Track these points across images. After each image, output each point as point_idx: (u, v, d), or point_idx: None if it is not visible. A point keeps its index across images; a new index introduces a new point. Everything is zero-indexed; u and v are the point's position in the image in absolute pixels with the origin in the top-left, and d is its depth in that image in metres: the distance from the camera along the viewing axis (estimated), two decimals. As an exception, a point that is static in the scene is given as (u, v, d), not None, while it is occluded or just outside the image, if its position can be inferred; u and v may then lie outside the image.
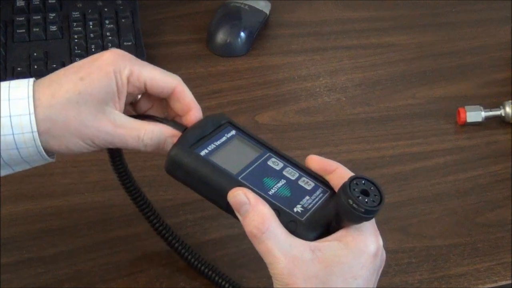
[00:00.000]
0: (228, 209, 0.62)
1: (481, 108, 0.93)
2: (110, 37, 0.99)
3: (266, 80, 1.00)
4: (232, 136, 0.69)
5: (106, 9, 1.02)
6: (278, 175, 0.66)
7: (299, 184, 0.66)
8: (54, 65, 0.96)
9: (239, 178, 0.63)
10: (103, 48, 0.98)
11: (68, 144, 0.65)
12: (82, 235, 0.80)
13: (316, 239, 0.60)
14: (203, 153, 0.65)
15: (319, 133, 0.93)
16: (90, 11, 1.02)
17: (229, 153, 0.67)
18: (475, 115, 0.93)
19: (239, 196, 0.60)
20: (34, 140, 0.63)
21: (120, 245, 0.80)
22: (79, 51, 0.97)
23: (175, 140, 0.67)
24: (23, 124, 0.62)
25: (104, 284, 0.76)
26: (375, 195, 0.58)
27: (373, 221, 0.61)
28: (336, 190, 0.63)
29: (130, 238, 0.80)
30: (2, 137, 0.62)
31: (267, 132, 0.93)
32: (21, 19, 1.01)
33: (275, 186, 0.64)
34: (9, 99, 0.63)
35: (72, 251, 0.79)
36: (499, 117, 0.94)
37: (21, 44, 0.99)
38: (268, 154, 0.68)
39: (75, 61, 0.95)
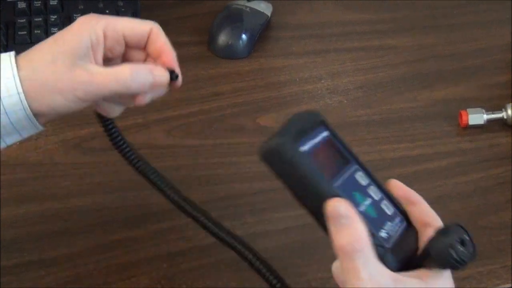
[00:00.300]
0: (316, 213, 0.58)
1: (483, 110, 0.93)
2: (111, 39, 0.99)
3: (268, 82, 1.00)
4: (325, 138, 0.63)
5: (107, 11, 1.02)
6: (365, 192, 0.62)
7: (381, 207, 0.62)
8: (55, 67, 0.95)
9: (334, 185, 0.59)
10: (104, 50, 0.98)
11: (50, 103, 0.65)
12: (83, 237, 0.80)
13: (398, 270, 0.57)
14: (303, 150, 0.60)
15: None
16: (91, 13, 1.01)
17: (323, 155, 0.62)
18: (477, 117, 0.93)
19: (340, 208, 0.56)
20: (21, 101, 0.64)
21: (121, 247, 0.79)
22: (80, 53, 0.97)
23: (163, 79, 0.70)
24: (9, 86, 0.64)
25: (105, 286, 0.76)
26: (469, 246, 0.57)
27: None
28: (415, 223, 0.61)
29: (131, 241, 0.80)
30: None
31: (268, 134, 0.91)
32: (22, 21, 1.01)
33: (363, 204, 0.60)
34: None
35: (73, 253, 0.78)
36: (501, 120, 0.93)
37: (23, 46, 0.98)
38: (356, 166, 0.63)
39: (76, 63, 0.95)
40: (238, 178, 0.88)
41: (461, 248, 0.56)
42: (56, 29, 0.99)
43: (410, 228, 0.62)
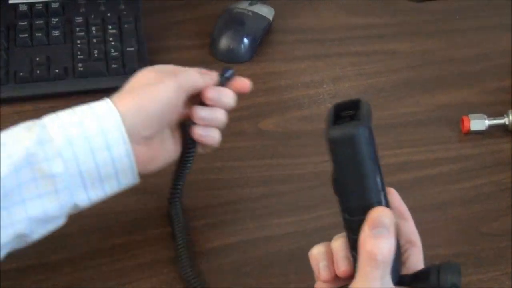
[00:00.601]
0: (352, 208, 0.59)
1: (485, 116, 0.93)
2: (113, 42, 0.99)
3: (269, 87, 1.00)
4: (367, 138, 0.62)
5: (109, 14, 1.02)
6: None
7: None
8: (57, 70, 0.95)
9: (382, 191, 0.59)
10: (106, 53, 0.98)
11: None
12: (82, 242, 0.80)
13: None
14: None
15: (323, 141, 0.91)
16: (93, 16, 1.02)
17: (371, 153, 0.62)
18: (479, 123, 0.93)
19: (386, 219, 0.57)
20: (123, 136, 0.69)
21: (121, 252, 0.79)
22: (82, 56, 0.97)
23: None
24: (110, 123, 0.69)
25: (107, 291, 0.76)
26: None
27: None
28: (399, 238, 0.61)
29: (131, 245, 0.80)
30: (93, 137, 0.68)
31: (270, 139, 0.92)
32: (23, 23, 1.00)
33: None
34: (92, 107, 0.70)
35: (72, 258, 0.78)
36: (503, 126, 0.93)
37: (24, 48, 0.99)
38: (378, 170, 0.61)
39: (77, 66, 0.95)
40: (239, 182, 0.87)
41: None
42: (57, 32, 0.99)
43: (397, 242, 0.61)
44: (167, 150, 0.76)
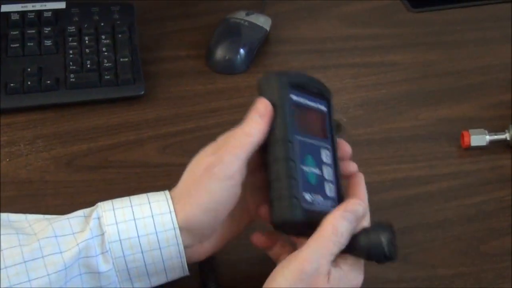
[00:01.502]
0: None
1: (486, 131, 0.91)
2: (106, 53, 0.97)
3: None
4: (322, 110, 0.72)
5: (102, 24, 1.00)
6: (319, 164, 0.69)
7: (324, 184, 0.69)
8: (48, 81, 0.93)
9: (295, 135, 0.67)
10: (99, 64, 0.96)
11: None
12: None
13: (292, 224, 0.66)
14: (292, 96, 0.68)
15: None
16: (86, 25, 1.00)
17: (307, 117, 0.70)
18: (479, 139, 0.91)
19: (361, 209, 0.67)
20: (176, 236, 0.66)
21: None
22: (74, 67, 0.95)
23: None
24: (165, 221, 0.66)
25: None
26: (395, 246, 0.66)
27: None
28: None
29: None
30: (146, 236, 0.66)
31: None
32: (15, 33, 0.98)
33: (310, 167, 0.68)
34: (149, 202, 0.67)
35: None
36: (504, 141, 0.91)
37: (15, 58, 0.97)
38: (328, 146, 0.71)
39: (69, 77, 0.93)
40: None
41: (392, 246, 0.65)
42: (50, 41, 0.97)
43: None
44: (228, 228, 0.71)
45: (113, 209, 0.66)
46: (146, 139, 0.91)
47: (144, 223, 0.66)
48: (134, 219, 0.66)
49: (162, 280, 0.69)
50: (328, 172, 0.70)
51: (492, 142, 0.91)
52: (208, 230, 0.68)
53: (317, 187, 0.68)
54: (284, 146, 0.67)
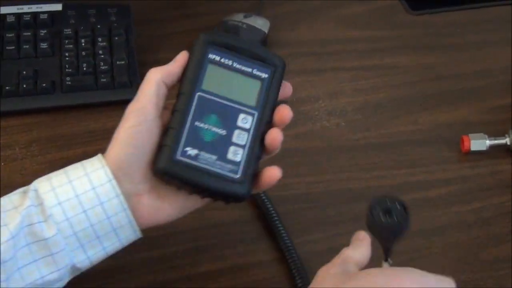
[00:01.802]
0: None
1: (486, 136, 0.90)
2: (102, 56, 0.96)
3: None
4: (256, 76, 0.70)
5: (99, 26, 0.99)
6: (228, 127, 0.68)
7: (226, 146, 0.68)
8: (44, 84, 0.92)
9: (195, 90, 0.68)
10: (95, 66, 0.95)
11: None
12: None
13: (163, 173, 0.66)
14: (212, 55, 0.69)
15: (317, 160, 0.90)
16: (82, 28, 0.99)
17: (229, 78, 0.69)
18: (479, 143, 0.90)
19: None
20: (113, 187, 0.66)
21: (108, 276, 0.77)
22: (70, 70, 0.94)
23: None
24: (100, 175, 0.67)
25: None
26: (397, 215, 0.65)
27: None
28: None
29: (118, 269, 0.78)
30: (84, 194, 0.66)
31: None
32: (11, 35, 0.97)
33: (208, 125, 0.68)
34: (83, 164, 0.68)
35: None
36: (504, 146, 0.90)
37: (11, 61, 0.96)
38: (253, 112, 0.69)
39: (65, 80, 0.93)
40: (229, 205, 0.84)
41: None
42: (45, 44, 0.96)
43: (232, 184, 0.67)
44: (181, 194, 0.70)
45: (49, 179, 0.67)
46: (143, 143, 0.90)
47: (81, 182, 0.66)
48: (70, 181, 0.66)
49: (116, 244, 0.68)
50: (240, 137, 0.68)
51: (492, 147, 0.90)
52: (135, 169, 0.67)
53: (213, 146, 0.67)
54: (179, 98, 0.68)
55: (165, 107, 0.70)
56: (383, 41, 1.07)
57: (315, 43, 1.06)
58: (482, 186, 0.88)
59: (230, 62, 0.70)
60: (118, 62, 0.95)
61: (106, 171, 0.66)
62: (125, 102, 0.92)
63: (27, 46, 0.96)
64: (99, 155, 0.68)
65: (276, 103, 0.70)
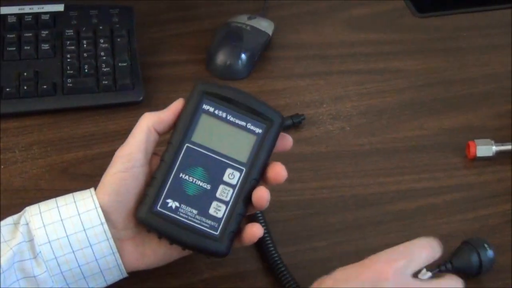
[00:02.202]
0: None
1: (492, 142, 0.88)
2: (104, 57, 0.95)
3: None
4: (250, 131, 0.69)
5: (101, 27, 0.98)
6: (213, 181, 0.68)
7: (209, 201, 0.67)
8: (45, 86, 0.91)
9: (184, 142, 0.68)
10: (97, 68, 0.94)
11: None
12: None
13: (141, 223, 0.68)
14: (206, 106, 0.69)
15: (321, 165, 0.89)
16: (84, 29, 0.97)
17: (221, 131, 0.69)
18: (485, 149, 0.88)
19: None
20: (105, 231, 0.67)
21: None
22: (72, 71, 0.93)
23: None
24: (92, 218, 0.67)
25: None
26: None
27: None
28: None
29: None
30: (74, 235, 0.66)
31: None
32: (12, 36, 0.96)
33: (192, 178, 0.68)
34: (75, 201, 0.68)
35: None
36: (511, 152, 0.88)
37: (11, 62, 0.95)
38: (241, 168, 0.68)
39: (66, 82, 0.92)
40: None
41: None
42: (47, 45, 0.95)
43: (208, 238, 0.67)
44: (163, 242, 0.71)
45: (40, 213, 0.67)
46: (144, 146, 0.89)
47: (72, 222, 0.66)
48: (61, 220, 0.66)
49: (101, 284, 0.69)
50: (224, 193, 0.68)
51: (498, 153, 0.88)
52: (118, 216, 0.68)
53: (195, 199, 0.67)
54: (168, 147, 0.69)
55: (155, 153, 0.70)
56: (388, 44, 1.05)
57: (320, 46, 1.04)
58: (487, 193, 0.86)
59: (224, 114, 0.69)
60: (120, 64, 0.94)
61: (98, 213, 0.67)
62: (127, 105, 0.93)
63: (28, 47, 0.95)
64: (92, 191, 0.69)
65: (268, 160, 0.69)
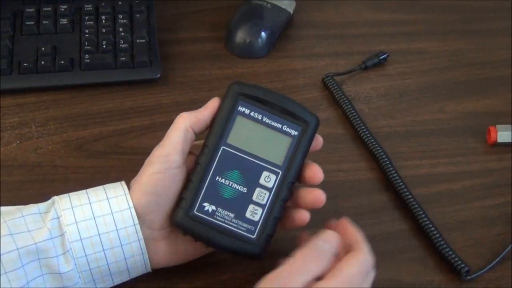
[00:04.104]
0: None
1: (514, 127, 0.87)
2: (122, 33, 0.94)
3: (286, 86, 0.94)
4: (286, 133, 0.69)
5: (120, 3, 0.97)
6: (249, 184, 0.67)
7: (245, 205, 0.67)
8: (62, 62, 0.91)
9: (220, 144, 0.67)
10: (115, 44, 0.93)
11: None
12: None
13: (178, 227, 0.67)
14: (241, 108, 0.68)
15: (338, 147, 0.87)
16: (103, 4, 0.96)
17: (258, 133, 0.68)
18: (506, 135, 0.87)
19: None
20: (137, 232, 0.67)
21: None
22: (89, 47, 0.92)
23: None
24: (125, 218, 0.66)
25: None
26: None
27: None
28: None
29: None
30: (106, 234, 0.66)
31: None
32: (31, 10, 0.95)
33: (228, 181, 0.67)
34: (108, 198, 0.68)
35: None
36: (532, 138, 0.87)
37: (30, 37, 0.94)
38: (277, 171, 0.68)
39: (84, 58, 0.91)
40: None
41: None
42: (65, 20, 0.94)
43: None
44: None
45: (72, 207, 0.66)
46: (160, 124, 0.88)
47: (104, 221, 0.66)
48: (94, 218, 0.66)
49: (125, 278, 0.70)
50: (260, 196, 0.68)
51: (520, 139, 0.87)
52: (154, 216, 0.68)
53: (231, 203, 0.67)
54: (203, 150, 0.68)
55: (191, 152, 0.69)
56: (411, 24, 1.03)
57: (341, 25, 1.03)
58: (507, 180, 0.84)
59: (259, 116, 0.68)
60: (138, 41, 0.94)
61: (132, 214, 0.67)
62: (144, 82, 0.92)
63: (47, 22, 0.94)
64: (125, 188, 0.68)
65: (303, 162, 0.69)
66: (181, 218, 0.67)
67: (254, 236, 0.67)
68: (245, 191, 0.67)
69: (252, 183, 0.68)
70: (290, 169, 0.68)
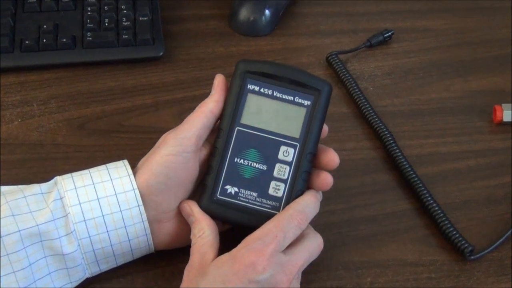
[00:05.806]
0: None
1: (520, 106, 0.86)
2: (125, 11, 0.93)
3: (290, 64, 0.93)
4: (299, 105, 0.68)
5: (121, -21, 0.96)
6: (268, 161, 0.67)
7: (267, 182, 0.67)
8: (64, 40, 0.90)
9: (234, 125, 0.67)
10: (117, 22, 0.92)
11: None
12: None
13: (206, 212, 0.67)
14: (250, 85, 0.67)
15: (342, 126, 0.87)
16: (105, -19, 0.96)
17: (270, 109, 0.67)
18: (512, 114, 0.86)
19: (184, 209, 0.68)
20: (141, 213, 0.66)
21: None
22: (92, 25, 0.91)
23: None
24: (129, 199, 0.66)
25: (100, 284, 0.71)
26: None
27: None
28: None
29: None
30: (110, 215, 0.66)
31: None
32: (32, -13, 0.95)
33: (247, 161, 0.67)
34: (111, 179, 0.67)
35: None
36: (538, 118, 0.86)
37: (31, 14, 0.93)
38: (295, 143, 0.67)
39: (86, 35, 0.90)
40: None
41: None
42: (68, -2, 0.94)
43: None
44: None
45: (75, 188, 0.66)
46: (163, 103, 0.88)
47: (108, 202, 0.66)
48: (98, 199, 0.66)
49: (128, 259, 0.70)
50: (281, 171, 0.67)
51: (525, 118, 0.86)
52: (161, 198, 0.67)
53: (253, 182, 0.67)
54: (218, 133, 0.68)
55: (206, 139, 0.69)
56: (417, 2, 1.02)
57: (347, 2, 1.02)
58: (512, 160, 0.84)
59: (270, 91, 0.68)
60: (141, 18, 0.93)
61: (136, 195, 0.66)
62: (147, 60, 0.92)
63: (50, 0, 0.94)
64: (128, 168, 0.67)
65: (321, 132, 0.68)
66: (206, 204, 0.67)
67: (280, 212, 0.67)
68: (265, 168, 0.67)
69: (271, 159, 0.67)
70: (308, 140, 0.67)
